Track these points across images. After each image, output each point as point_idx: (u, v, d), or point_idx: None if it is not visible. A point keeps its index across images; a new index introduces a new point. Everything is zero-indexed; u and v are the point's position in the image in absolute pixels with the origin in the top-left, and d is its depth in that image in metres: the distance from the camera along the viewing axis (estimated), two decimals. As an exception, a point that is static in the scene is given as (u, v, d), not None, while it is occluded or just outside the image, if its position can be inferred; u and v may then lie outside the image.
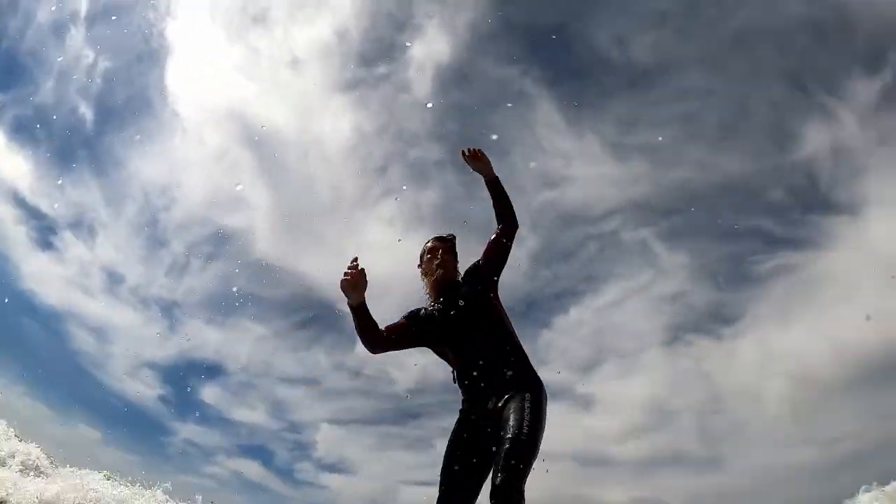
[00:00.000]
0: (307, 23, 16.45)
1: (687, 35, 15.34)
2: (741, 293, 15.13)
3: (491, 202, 2.53)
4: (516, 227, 2.49)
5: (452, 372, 2.35)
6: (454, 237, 2.65)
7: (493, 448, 1.91)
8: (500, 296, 2.44)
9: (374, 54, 16.59)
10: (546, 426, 2.04)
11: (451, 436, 2.20)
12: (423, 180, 17.37)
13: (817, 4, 13.65)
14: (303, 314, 17.55)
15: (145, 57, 16.03)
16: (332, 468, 14.48)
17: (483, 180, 2.55)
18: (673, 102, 15.85)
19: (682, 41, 15.44)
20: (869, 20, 12.95)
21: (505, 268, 2.47)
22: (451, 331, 2.33)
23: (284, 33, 16.52)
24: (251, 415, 15.32)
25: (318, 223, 17.62)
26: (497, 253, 2.45)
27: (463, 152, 2.52)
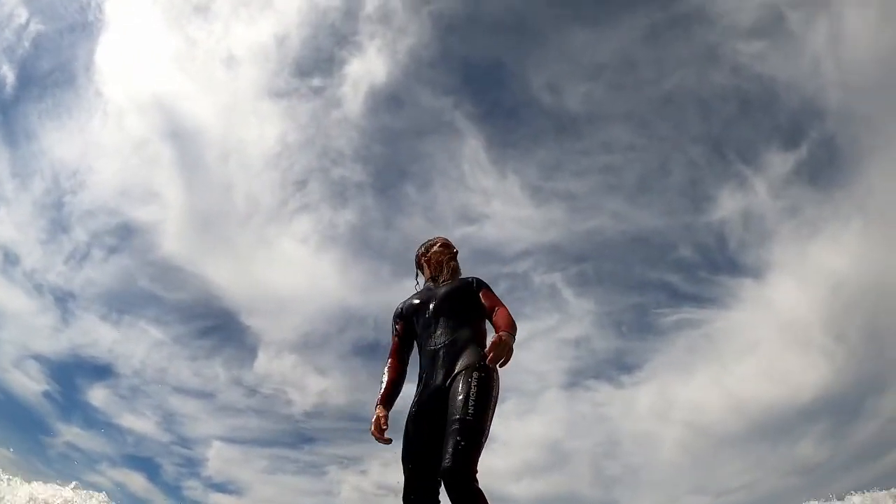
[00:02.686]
0: (249, 22, 16.04)
1: (619, 90, 16.59)
2: (643, 343, 16.09)
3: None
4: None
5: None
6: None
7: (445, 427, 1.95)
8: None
9: (311, 65, 16.42)
10: (496, 404, 2.07)
11: (407, 420, 2.21)
12: (342, 200, 17.21)
13: (746, 79, 15.20)
14: (204, 322, 16.57)
15: (78, 28, 14.87)
16: (221, 488, 13.59)
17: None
18: (597, 153, 16.94)
19: (613, 96, 16.67)
20: (793, 98, 14.66)
21: None
22: (428, 308, 2.40)
23: (224, 28, 15.96)
24: (140, 423, 14.09)
25: (230, 230, 16.82)
26: (490, 315, 2.31)
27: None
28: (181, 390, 15.15)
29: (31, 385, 13.02)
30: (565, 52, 16.62)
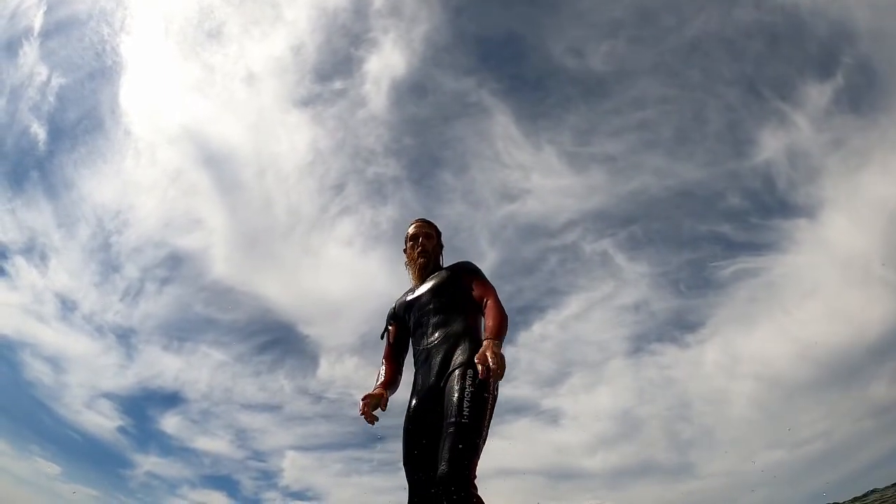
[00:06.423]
0: (262, 38, 16.32)
1: (642, 43, 15.80)
2: (703, 299, 15.46)
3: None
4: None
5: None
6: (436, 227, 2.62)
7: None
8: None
9: (330, 69, 16.51)
10: (496, 403, 1.97)
11: (405, 421, 2.15)
12: (380, 197, 17.32)
13: (768, 11, 14.17)
14: (262, 337, 17.21)
15: (98, 74, 15.66)
16: (300, 496, 14.24)
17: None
18: (629, 111, 16.23)
19: (637, 50, 15.89)
20: (820, 26, 13.59)
21: None
22: (418, 305, 2.35)
23: (240, 49, 16.34)
24: (214, 444, 14.92)
25: (275, 244, 17.33)
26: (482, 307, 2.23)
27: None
28: (249, 406, 15.83)
29: (105, 423, 13.97)
30: (580, 14, 16.02)
